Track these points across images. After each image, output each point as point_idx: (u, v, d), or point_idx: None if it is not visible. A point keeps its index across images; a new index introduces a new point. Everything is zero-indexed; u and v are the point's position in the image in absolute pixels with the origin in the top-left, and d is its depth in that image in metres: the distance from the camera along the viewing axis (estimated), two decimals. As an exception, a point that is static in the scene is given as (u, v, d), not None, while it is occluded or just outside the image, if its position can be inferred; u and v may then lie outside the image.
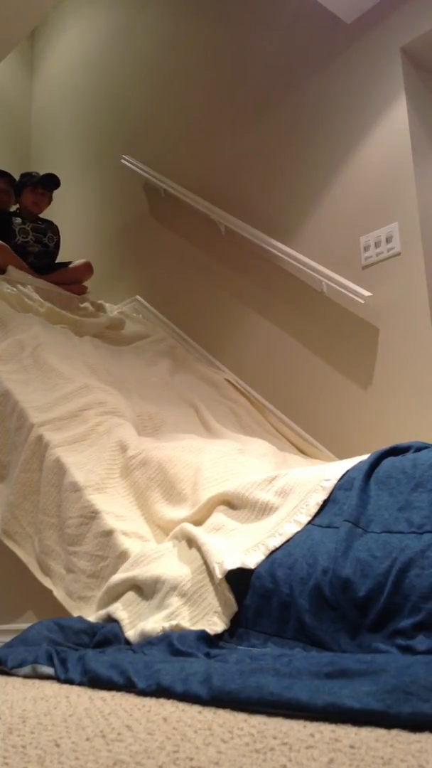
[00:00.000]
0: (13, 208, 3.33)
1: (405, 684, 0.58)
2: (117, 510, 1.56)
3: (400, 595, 0.91)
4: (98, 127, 3.99)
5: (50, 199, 3.29)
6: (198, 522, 1.41)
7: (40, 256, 3.20)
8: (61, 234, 3.38)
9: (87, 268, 3.32)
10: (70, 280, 3.25)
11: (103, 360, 2.45)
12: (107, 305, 3.36)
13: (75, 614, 1.45)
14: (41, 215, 3.32)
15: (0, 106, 4.56)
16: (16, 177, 3.35)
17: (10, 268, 2.98)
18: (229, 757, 0.50)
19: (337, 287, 2.31)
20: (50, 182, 3.22)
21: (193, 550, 1.27)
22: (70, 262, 3.32)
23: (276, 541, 1.14)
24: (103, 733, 0.60)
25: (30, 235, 3.18)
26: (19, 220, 3.20)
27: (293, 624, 1.01)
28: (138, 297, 3.43)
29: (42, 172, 3.27)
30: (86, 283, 3.34)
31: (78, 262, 3.33)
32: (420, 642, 0.85)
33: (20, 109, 4.70)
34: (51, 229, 3.30)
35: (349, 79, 2.46)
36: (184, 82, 3.30)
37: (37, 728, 0.65)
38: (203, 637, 1.04)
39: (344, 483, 1.17)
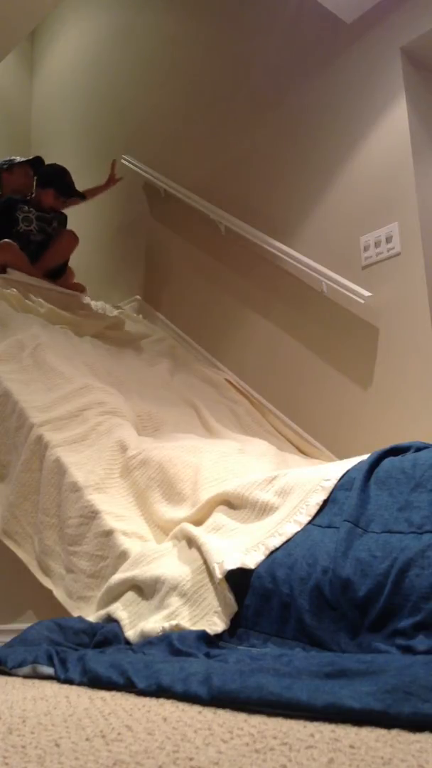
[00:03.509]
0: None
1: (405, 684, 0.58)
2: (117, 510, 1.56)
3: (400, 595, 0.91)
4: (98, 126, 3.99)
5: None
6: (198, 522, 1.41)
7: (42, 246, 3.15)
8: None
9: (70, 239, 3.20)
10: (60, 257, 3.19)
11: (103, 360, 2.45)
12: (107, 306, 3.36)
13: (75, 614, 1.45)
14: None
15: (0, 105, 4.56)
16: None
17: (11, 271, 2.96)
18: (229, 757, 0.50)
19: (337, 287, 2.31)
20: (78, 196, 3.16)
21: (193, 550, 1.26)
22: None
23: (276, 541, 1.14)
24: (103, 733, 0.60)
25: (33, 224, 3.12)
26: (26, 207, 3.13)
27: (293, 624, 1.01)
28: (138, 297, 3.43)
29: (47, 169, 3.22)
30: (87, 286, 3.32)
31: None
32: (420, 642, 0.85)
33: (20, 109, 4.70)
34: (57, 218, 3.24)
35: (349, 79, 2.46)
36: (184, 81, 3.30)
37: (37, 728, 0.65)
38: (203, 637, 1.04)
39: (344, 483, 1.17)
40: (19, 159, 3.35)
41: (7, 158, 3.37)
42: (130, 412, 1.98)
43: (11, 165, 3.31)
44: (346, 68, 2.48)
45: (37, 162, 3.33)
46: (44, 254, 3.15)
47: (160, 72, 3.48)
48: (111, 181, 3.40)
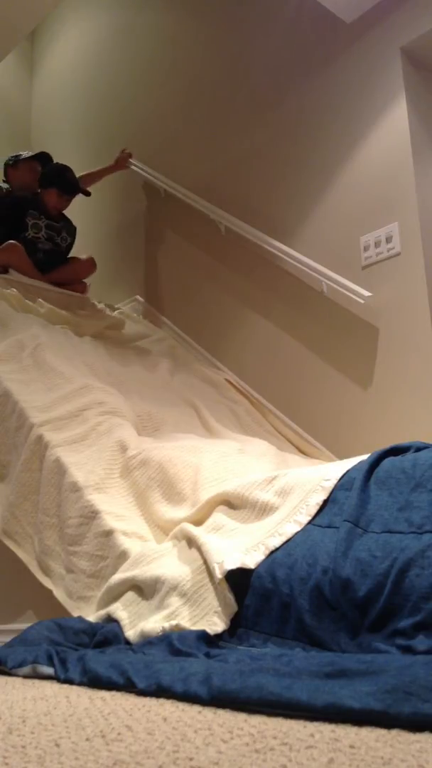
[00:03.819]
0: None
1: (405, 684, 0.58)
2: (117, 510, 1.56)
3: (400, 595, 0.91)
4: (98, 126, 3.99)
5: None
6: (198, 522, 1.41)
7: (50, 255, 3.13)
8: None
9: (89, 265, 3.25)
10: (72, 278, 3.20)
11: (102, 360, 2.45)
12: (106, 307, 3.36)
13: (75, 614, 1.45)
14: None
15: (0, 105, 4.56)
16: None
17: (13, 272, 2.95)
18: (229, 757, 0.50)
19: (337, 287, 2.31)
20: (82, 193, 3.14)
21: (193, 550, 1.26)
22: (71, 258, 3.26)
23: (276, 541, 1.14)
24: (103, 733, 0.60)
25: (42, 231, 3.09)
26: (36, 213, 3.10)
27: (293, 624, 1.01)
28: (138, 297, 3.43)
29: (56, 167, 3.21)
30: (87, 283, 3.32)
31: (79, 257, 3.27)
32: (420, 642, 0.85)
33: (20, 109, 4.70)
34: (67, 229, 3.22)
35: (349, 79, 2.46)
36: (184, 81, 3.30)
37: (37, 728, 0.65)
38: (203, 637, 1.04)
39: (344, 483, 1.17)
40: (25, 154, 3.34)
41: (13, 154, 3.36)
42: (130, 412, 1.98)
43: (16, 161, 3.30)
44: (346, 68, 2.48)
45: (43, 157, 3.31)
46: (58, 269, 3.14)
47: (160, 72, 3.48)
48: (119, 165, 3.39)
